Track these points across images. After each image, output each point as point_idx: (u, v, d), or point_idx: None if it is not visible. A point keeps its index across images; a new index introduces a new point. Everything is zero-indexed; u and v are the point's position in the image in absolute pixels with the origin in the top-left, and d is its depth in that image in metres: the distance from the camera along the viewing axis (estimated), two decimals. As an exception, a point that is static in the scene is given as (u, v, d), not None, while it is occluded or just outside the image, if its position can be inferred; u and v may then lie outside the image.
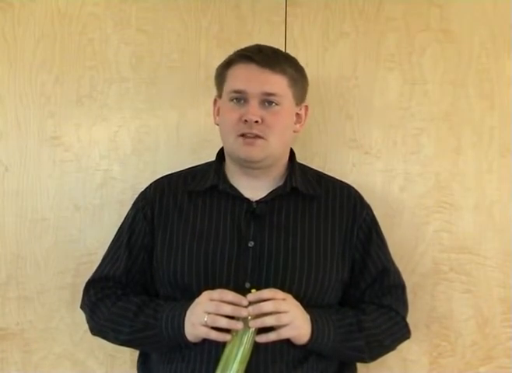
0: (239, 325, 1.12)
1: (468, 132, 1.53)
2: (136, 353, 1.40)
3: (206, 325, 1.13)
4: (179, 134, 1.55)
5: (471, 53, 1.53)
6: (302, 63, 1.32)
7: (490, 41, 1.52)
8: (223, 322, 1.12)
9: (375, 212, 1.36)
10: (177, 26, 1.55)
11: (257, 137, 1.22)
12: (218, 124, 1.31)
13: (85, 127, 1.55)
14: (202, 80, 1.54)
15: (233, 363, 1.12)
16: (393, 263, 1.35)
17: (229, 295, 1.14)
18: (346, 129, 1.54)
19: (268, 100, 1.23)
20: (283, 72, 1.23)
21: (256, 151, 1.22)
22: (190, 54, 1.55)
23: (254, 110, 1.21)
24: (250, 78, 1.23)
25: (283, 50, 1.48)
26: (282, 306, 1.14)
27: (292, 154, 1.35)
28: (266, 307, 1.13)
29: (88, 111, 1.54)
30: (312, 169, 1.39)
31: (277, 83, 1.23)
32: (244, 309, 1.12)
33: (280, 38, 1.53)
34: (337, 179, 1.38)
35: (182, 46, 1.55)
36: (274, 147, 1.23)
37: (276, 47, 1.31)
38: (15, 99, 1.54)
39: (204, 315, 1.13)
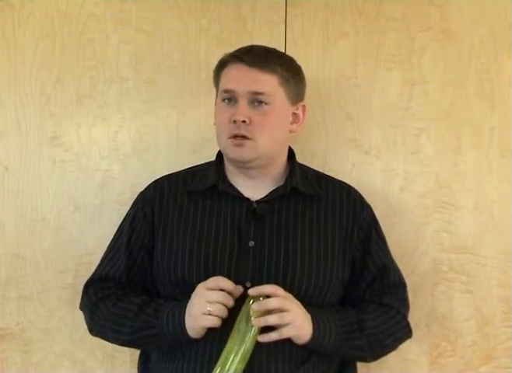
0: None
1: (468, 132, 1.53)
2: (136, 353, 1.40)
3: (210, 314, 1.13)
4: (179, 134, 1.55)
5: (471, 53, 1.53)
6: (302, 63, 1.32)
7: (490, 41, 1.52)
8: (225, 312, 1.14)
9: (375, 212, 1.36)
10: (177, 26, 1.55)
11: (246, 138, 1.22)
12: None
13: (85, 127, 1.54)
14: (202, 80, 1.53)
15: (233, 361, 1.11)
16: (393, 262, 1.35)
17: (221, 281, 1.16)
18: (346, 129, 1.54)
19: (257, 100, 1.23)
20: (273, 71, 1.23)
21: (245, 151, 1.23)
22: (190, 54, 1.55)
23: (241, 110, 1.22)
24: (238, 78, 1.23)
25: (283, 50, 1.48)
26: (286, 304, 1.14)
27: (292, 153, 1.35)
28: (271, 303, 1.13)
29: (88, 111, 1.54)
30: (311, 168, 1.39)
31: (266, 82, 1.23)
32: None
33: (280, 38, 1.53)
34: (336, 179, 1.38)
35: (182, 46, 1.55)
36: (264, 147, 1.23)
37: (276, 46, 1.31)
38: (15, 99, 1.54)
39: (206, 304, 1.13)
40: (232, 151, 1.24)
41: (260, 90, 1.22)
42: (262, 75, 1.23)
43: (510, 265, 1.51)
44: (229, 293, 1.15)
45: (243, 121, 1.21)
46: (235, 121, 1.21)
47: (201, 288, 1.17)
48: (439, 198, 1.52)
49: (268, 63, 1.23)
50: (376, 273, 1.31)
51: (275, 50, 1.30)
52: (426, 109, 1.53)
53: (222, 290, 1.15)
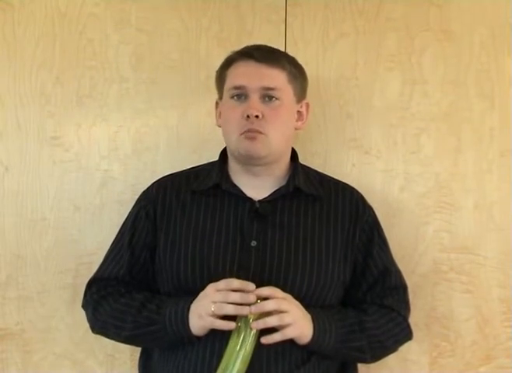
0: (245, 310, 1.11)
1: (468, 132, 1.53)
2: (137, 353, 1.40)
3: (213, 315, 1.13)
4: (179, 134, 1.55)
5: (471, 53, 1.53)
6: (301, 62, 1.32)
7: (490, 41, 1.52)
8: (230, 309, 1.12)
9: (375, 212, 1.36)
10: (177, 25, 1.55)
11: (259, 132, 1.22)
12: (220, 126, 1.31)
13: (85, 127, 1.54)
14: (202, 80, 1.53)
15: (234, 364, 1.11)
16: (395, 264, 1.35)
17: (235, 282, 1.14)
18: (346, 129, 1.54)
19: (268, 95, 1.23)
20: (282, 67, 1.25)
21: (258, 147, 1.23)
22: (190, 54, 1.55)
23: (254, 105, 1.22)
24: (249, 74, 1.24)
25: (283, 49, 1.48)
26: (284, 305, 1.14)
27: (295, 154, 1.35)
28: (268, 305, 1.13)
29: (88, 111, 1.54)
30: (313, 169, 1.39)
31: (276, 77, 1.24)
32: (252, 295, 1.12)
33: (280, 38, 1.53)
34: (338, 180, 1.38)
35: (182, 46, 1.55)
36: (275, 143, 1.24)
37: (276, 46, 1.32)
38: (15, 99, 1.54)
39: (211, 304, 1.13)
40: (244, 146, 1.23)
41: (271, 85, 1.23)
42: (272, 71, 1.24)
43: (510, 265, 1.51)
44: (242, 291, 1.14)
45: (257, 116, 1.21)
46: (248, 116, 1.21)
47: (210, 289, 1.16)
48: (439, 198, 1.52)
49: (277, 59, 1.25)
50: (378, 275, 1.31)
51: (278, 49, 1.31)
52: (426, 109, 1.53)
53: (234, 291, 1.14)
